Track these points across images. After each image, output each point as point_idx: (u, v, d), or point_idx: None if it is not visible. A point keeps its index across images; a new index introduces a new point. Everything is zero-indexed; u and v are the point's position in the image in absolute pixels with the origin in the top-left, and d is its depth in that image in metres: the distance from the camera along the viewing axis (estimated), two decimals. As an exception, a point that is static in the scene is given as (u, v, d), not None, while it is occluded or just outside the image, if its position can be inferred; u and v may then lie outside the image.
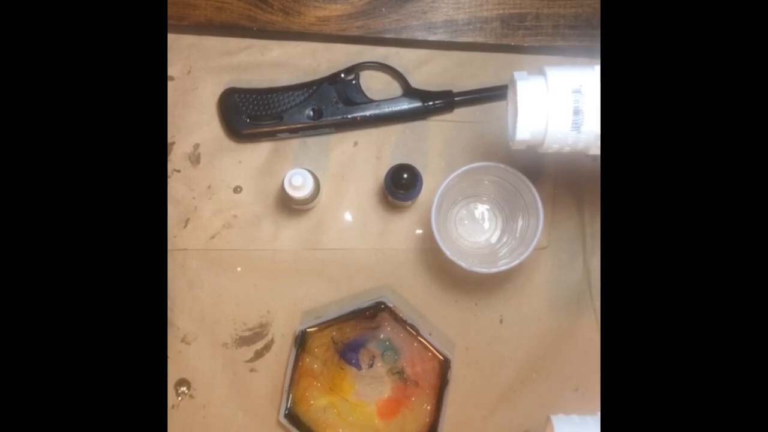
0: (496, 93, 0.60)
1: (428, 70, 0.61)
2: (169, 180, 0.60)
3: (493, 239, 0.60)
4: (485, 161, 0.53)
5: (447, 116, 0.61)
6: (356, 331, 0.58)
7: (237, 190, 0.61)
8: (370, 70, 0.61)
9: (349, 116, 0.59)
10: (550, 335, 0.60)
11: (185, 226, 0.61)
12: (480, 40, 0.60)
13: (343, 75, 0.60)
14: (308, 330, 0.58)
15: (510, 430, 0.60)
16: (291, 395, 0.57)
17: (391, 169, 0.55)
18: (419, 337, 0.58)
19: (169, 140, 0.61)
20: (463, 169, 0.53)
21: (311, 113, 0.59)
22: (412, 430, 0.57)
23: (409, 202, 0.60)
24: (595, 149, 0.44)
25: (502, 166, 0.53)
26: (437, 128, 0.61)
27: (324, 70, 0.61)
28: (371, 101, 0.60)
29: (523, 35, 0.60)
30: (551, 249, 0.61)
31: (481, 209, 0.60)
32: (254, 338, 0.60)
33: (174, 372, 0.60)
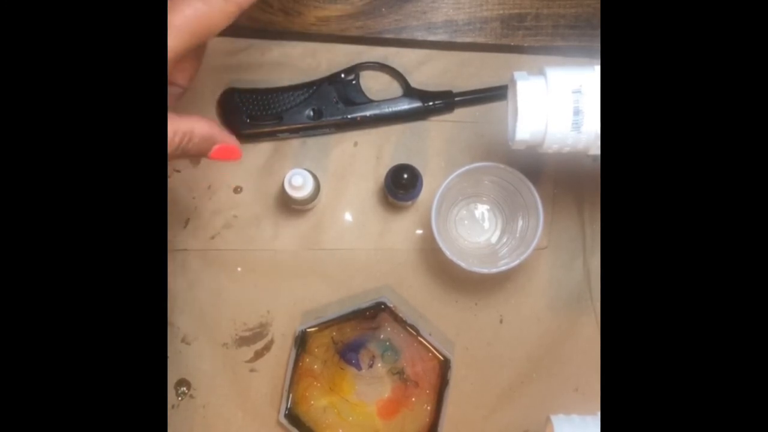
0: (496, 93, 0.60)
1: (428, 70, 0.61)
2: (169, 180, 0.60)
3: (493, 239, 0.60)
4: (485, 161, 0.53)
5: (447, 116, 0.61)
6: (356, 332, 0.58)
7: (237, 190, 0.61)
8: (370, 70, 0.61)
9: (349, 116, 0.59)
10: (550, 335, 0.60)
11: (185, 226, 0.61)
12: (480, 40, 0.60)
13: (343, 75, 0.60)
14: (308, 330, 0.58)
15: (510, 430, 0.60)
16: (291, 395, 0.57)
17: (391, 169, 0.55)
18: (419, 337, 0.58)
19: (169, 140, 0.61)
20: (463, 169, 0.53)
21: (311, 113, 0.59)
22: (412, 431, 0.57)
23: (409, 202, 0.60)
24: (595, 149, 0.44)
25: (502, 166, 0.53)
26: (437, 128, 0.61)
27: (324, 71, 0.60)
28: (371, 101, 0.60)
29: (523, 35, 0.60)
30: (551, 249, 0.61)
31: (481, 209, 0.60)
32: (254, 338, 0.60)
33: (174, 372, 0.60)
